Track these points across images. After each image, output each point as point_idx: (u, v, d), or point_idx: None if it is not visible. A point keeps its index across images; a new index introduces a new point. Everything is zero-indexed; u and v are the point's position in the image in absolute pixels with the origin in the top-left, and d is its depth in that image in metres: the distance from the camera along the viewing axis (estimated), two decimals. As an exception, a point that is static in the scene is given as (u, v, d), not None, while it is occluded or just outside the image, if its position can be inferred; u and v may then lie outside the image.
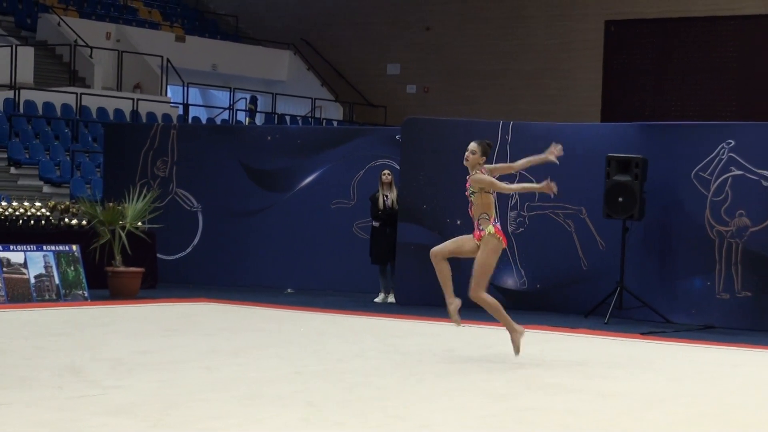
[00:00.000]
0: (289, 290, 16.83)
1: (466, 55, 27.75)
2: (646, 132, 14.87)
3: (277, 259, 17.33)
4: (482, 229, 10.22)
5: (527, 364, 10.14)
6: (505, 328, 10.43)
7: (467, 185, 10.38)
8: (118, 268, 15.31)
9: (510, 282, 15.38)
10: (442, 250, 10.51)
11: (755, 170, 13.90)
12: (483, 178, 10.27)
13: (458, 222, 15.48)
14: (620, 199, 14.28)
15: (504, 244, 10.33)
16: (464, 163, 10.42)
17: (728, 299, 14.05)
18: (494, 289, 15.27)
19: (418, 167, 15.67)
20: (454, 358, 10.64)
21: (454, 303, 10.49)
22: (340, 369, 9.57)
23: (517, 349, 10.28)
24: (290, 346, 10.97)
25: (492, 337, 11.98)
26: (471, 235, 10.36)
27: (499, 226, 10.32)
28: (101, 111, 25.94)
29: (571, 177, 15.07)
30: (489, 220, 10.22)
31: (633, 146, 14.60)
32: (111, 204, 15.77)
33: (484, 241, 10.21)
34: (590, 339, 12.52)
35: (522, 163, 10.71)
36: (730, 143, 14.10)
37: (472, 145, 10.42)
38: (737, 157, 14.04)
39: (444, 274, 10.54)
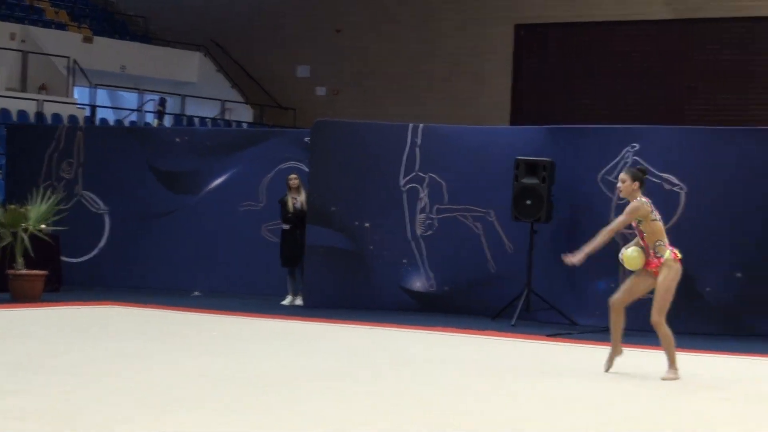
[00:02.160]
0: (196, 293, 16.70)
1: (377, 58, 27.78)
2: (554, 135, 14.99)
3: (185, 261, 17.18)
4: (660, 256, 9.97)
5: (434, 362, 10.16)
6: (669, 361, 10.15)
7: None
8: (19, 271, 15.07)
9: (418, 284, 15.41)
10: (621, 298, 10.26)
11: (658, 174, 14.07)
12: (636, 207, 9.94)
13: (366, 225, 15.50)
14: (528, 202, 14.38)
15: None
16: (618, 193, 10.23)
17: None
18: (402, 291, 15.34)
19: (328, 170, 15.64)
20: (361, 360, 10.61)
21: (620, 353, 10.33)
22: (249, 372, 9.50)
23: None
24: (197, 349, 10.88)
25: (398, 339, 12.00)
26: (641, 272, 10.04)
27: (677, 251, 10.08)
28: (4, 112, 25.49)
29: (479, 180, 15.18)
30: (665, 246, 9.99)
31: (541, 149, 14.71)
32: (13, 206, 15.52)
33: (666, 267, 9.94)
34: (497, 341, 12.58)
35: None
36: (635, 147, 14.26)
37: (622, 174, 10.19)
38: (641, 161, 14.20)
39: (618, 325, 10.32)
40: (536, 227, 14.47)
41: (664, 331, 10.05)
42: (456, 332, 13.10)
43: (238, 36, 30.23)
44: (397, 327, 13.34)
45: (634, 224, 10.01)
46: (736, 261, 13.91)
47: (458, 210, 15.31)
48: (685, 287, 13.92)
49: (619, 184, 10.10)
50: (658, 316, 10.02)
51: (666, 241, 10.01)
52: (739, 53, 23.10)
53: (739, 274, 13.83)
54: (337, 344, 11.78)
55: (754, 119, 22.13)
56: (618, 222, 10.03)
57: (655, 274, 9.94)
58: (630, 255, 9.99)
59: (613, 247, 14.28)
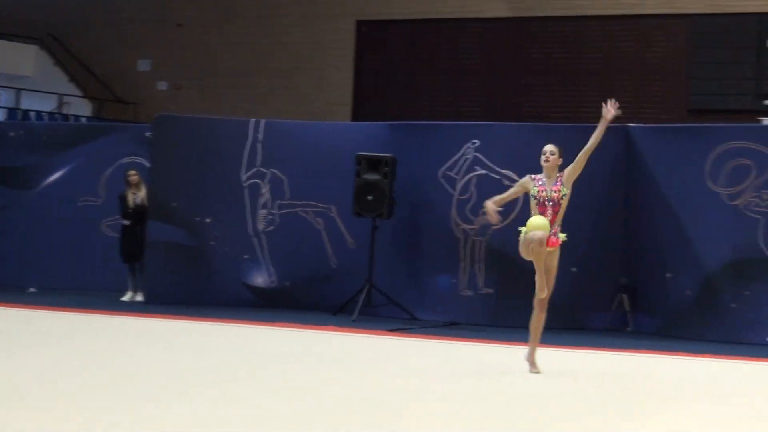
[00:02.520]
0: (31, 289, 16.35)
1: (219, 53, 27.56)
2: (396, 131, 15.11)
3: (20, 257, 16.81)
4: (558, 237, 9.97)
5: (283, 358, 10.16)
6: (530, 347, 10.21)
7: (555, 188, 10.01)
8: None
9: (260, 280, 15.37)
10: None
11: (498, 170, 14.31)
12: (572, 172, 10.01)
13: (207, 220, 15.39)
14: (370, 198, 14.46)
15: None
16: (543, 164, 10.06)
17: (472, 296, 14.43)
18: (243, 287, 15.28)
19: (169, 165, 15.48)
20: (204, 356, 10.55)
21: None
22: (86, 368, 9.35)
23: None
24: (33, 347, 10.66)
25: (244, 335, 11.95)
26: (541, 252, 9.88)
27: None
28: None
29: (321, 175, 15.21)
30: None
31: (383, 145, 14.81)
32: None
33: (558, 250, 10.00)
34: (338, 336, 12.62)
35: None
36: (475, 143, 14.47)
37: (550, 147, 10.13)
38: (482, 157, 14.42)
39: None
40: (378, 223, 14.56)
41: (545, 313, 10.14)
42: (297, 328, 13.10)
43: (76, 29, 29.65)
44: (240, 323, 13.28)
45: (557, 197, 9.99)
46: (572, 256, 14.20)
47: (300, 205, 15.32)
48: (524, 282, 14.19)
49: (548, 155, 10.05)
50: (549, 294, 10.13)
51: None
52: (569, 51, 23.61)
53: (574, 269, 14.14)
54: (181, 341, 11.67)
55: (586, 116, 22.64)
56: (576, 163, 10.03)
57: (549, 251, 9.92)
58: (539, 222, 9.87)
59: (454, 243, 14.51)
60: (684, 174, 13.69)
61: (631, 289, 14.11)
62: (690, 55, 22.67)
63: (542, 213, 9.91)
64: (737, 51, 22.30)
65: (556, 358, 11.37)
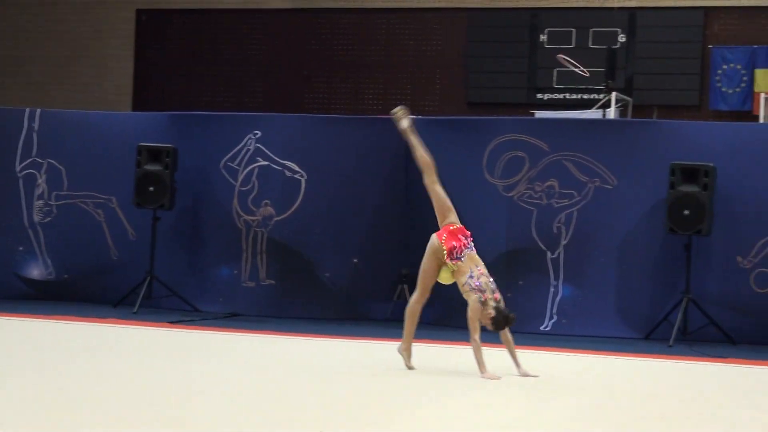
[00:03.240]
0: None
1: (-6, 40, 26.77)
2: (177, 122, 14.96)
3: None
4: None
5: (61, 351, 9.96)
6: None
7: None
8: None
9: (36, 272, 15.01)
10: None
11: (279, 161, 14.34)
12: None
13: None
14: (151, 189, 14.29)
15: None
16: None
17: (254, 287, 14.43)
18: (18, 279, 14.90)
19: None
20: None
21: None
22: None
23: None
24: None
25: (26, 329, 11.68)
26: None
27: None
28: None
29: (101, 166, 14.95)
30: None
31: (164, 136, 14.65)
32: None
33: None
34: (119, 328, 12.45)
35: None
36: (257, 134, 14.47)
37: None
38: (263, 148, 14.43)
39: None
40: (159, 214, 14.41)
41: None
42: (76, 320, 12.87)
43: None
44: (15, 316, 12.95)
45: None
46: (353, 247, 14.37)
47: (79, 196, 15.01)
48: (306, 273, 14.32)
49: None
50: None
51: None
52: (351, 44, 23.84)
53: (355, 260, 14.30)
54: None
55: (366, 108, 22.91)
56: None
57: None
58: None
59: (236, 234, 14.48)
60: (463, 166, 13.99)
61: (412, 280, 14.32)
62: (467, 49, 23.16)
63: None
64: (512, 45, 22.90)
65: (340, 349, 11.49)
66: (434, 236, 9.96)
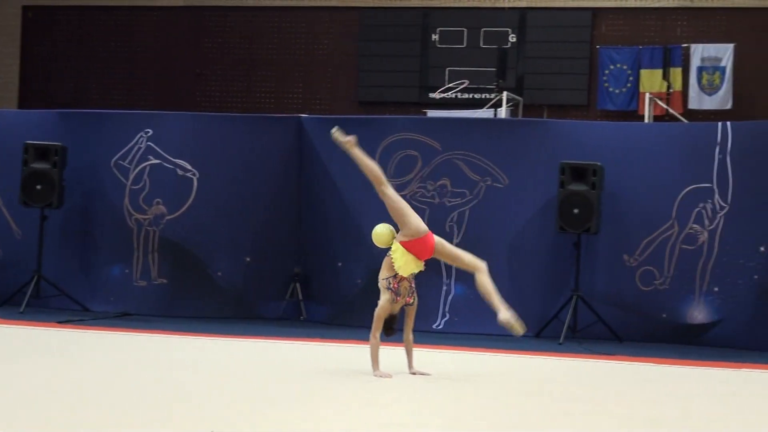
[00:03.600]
0: None
1: None
2: (66, 120, 14.76)
3: None
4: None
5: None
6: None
7: None
8: None
9: None
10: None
11: (171, 159, 14.24)
12: None
13: None
14: (38, 187, 14.09)
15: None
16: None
17: (145, 286, 14.31)
18: None
19: None
20: None
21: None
22: None
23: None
24: None
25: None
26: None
27: None
28: None
29: (-13, 164, 14.70)
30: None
31: (52, 134, 14.45)
32: None
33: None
34: (6, 328, 12.24)
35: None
36: (149, 132, 14.34)
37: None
38: (155, 146, 14.31)
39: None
40: (47, 213, 14.20)
41: None
42: (-38, 322, 12.64)
43: None
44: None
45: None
46: (246, 246, 14.33)
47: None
48: (199, 271, 14.24)
49: None
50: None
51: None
52: (244, 42, 23.73)
53: (248, 259, 14.26)
54: None
55: (259, 106, 22.84)
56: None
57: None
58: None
59: (127, 233, 14.33)
60: (355, 165, 14.00)
61: (304, 279, 14.34)
62: (359, 48, 23.21)
63: None
64: (404, 44, 23.01)
65: (231, 348, 11.45)
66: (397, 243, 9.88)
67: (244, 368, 10.01)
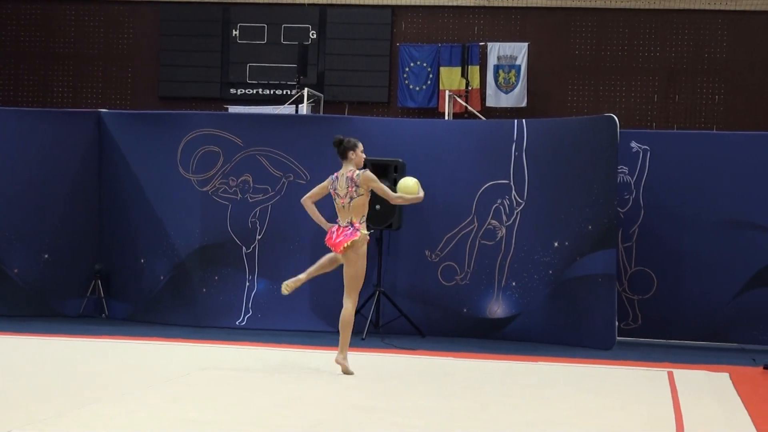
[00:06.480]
0: None
1: None
2: None
3: None
4: (359, 232, 9.74)
5: None
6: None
7: (352, 183, 9.80)
8: None
9: None
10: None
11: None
12: (374, 177, 9.89)
13: None
14: None
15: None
16: (349, 159, 9.96)
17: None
18: None
19: None
20: None
21: None
22: None
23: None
24: None
25: None
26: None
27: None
28: None
29: None
30: (364, 223, 9.80)
31: None
32: None
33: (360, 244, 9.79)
34: None
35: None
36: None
37: (357, 142, 9.98)
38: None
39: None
40: None
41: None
42: None
43: None
44: None
45: (352, 189, 9.89)
46: (43, 242, 14.03)
47: None
48: (-6, 270, 13.86)
49: (359, 151, 10.03)
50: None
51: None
52: (38, 35, 23.20)
53: (46, 255, 13.96)
54: None
55: (55, 101, 22.39)
56: (385, 190, 9.92)
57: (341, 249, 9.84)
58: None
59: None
60: (157, 161, 13.89)
61: (105, 275, 14.12)
62: (160, 42, 22.96)
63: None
64: (204, 39, 22.87)
65: (30, 346, 11.20)
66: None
67: (41, 367, 9.80)
